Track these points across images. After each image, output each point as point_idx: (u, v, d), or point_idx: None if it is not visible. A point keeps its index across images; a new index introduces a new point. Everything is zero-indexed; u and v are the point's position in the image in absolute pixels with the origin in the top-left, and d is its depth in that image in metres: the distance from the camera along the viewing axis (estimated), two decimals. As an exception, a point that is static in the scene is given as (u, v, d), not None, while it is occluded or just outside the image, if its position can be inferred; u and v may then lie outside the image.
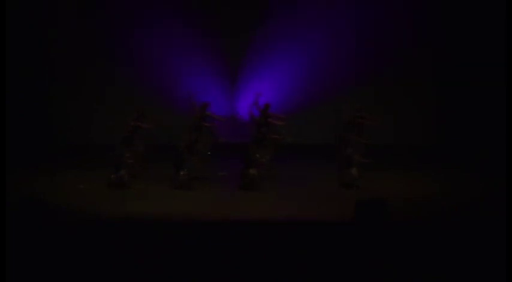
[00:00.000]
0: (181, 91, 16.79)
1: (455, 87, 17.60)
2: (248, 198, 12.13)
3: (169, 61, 17.88)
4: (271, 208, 11.37)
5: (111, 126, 15.03)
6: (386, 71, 17.92)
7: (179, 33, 17.82)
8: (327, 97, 17.84)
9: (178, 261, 7.69)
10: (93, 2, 17.68)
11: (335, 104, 17.12)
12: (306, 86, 17.98)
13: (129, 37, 17.71)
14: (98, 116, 17.61)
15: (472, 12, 17.23)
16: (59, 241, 7.95)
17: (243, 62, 18.13)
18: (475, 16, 17.21)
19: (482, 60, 17.10)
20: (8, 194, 10.55)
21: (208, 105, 13.75)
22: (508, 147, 12.10)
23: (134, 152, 13.36)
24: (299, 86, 17.98)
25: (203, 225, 9.39)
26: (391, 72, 17.92)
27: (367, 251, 7.78)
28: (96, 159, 14.94)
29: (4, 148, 13.21)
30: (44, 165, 15.09)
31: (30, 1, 17.43)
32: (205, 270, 7.54)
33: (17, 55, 17.11)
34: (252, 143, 13.22)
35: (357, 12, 17.82)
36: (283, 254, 7.80)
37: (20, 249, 7.66)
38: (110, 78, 17.79)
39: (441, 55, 17.72)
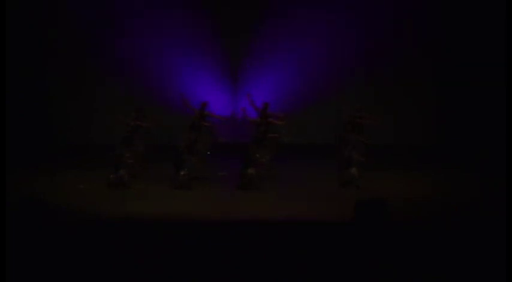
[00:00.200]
0: (181, 91, 16.78)
1: (455, 87, 17.60)
2: (248, 198, 12.13)
3: (169, 61, 17.88)
4: (271, 208, 11.36)
5: (111, 126, 15.02)
6: (386, 71, 17.92)
7: (179, 33, 17.82)
8: (327, 97, 17.85)
9: (178, 261, 7.68)
10: (93, 2, 17.68)
11: (335, 104, 17.13)
12: (306, 86, 17.97)
13: (129, 37, 17.71)
14: (98, 116, 17.60)
15: (472, 13, 17.23)
16: (59, 241, 7.93)
17: (243, 62, 18.13)
18: (475, 16, 17.22)
19: (482, 60, 17.11)
20: (8, 194, 10.53)
21: (207, 105, 13.75)
22: (508, 147, 12.08)
23: (134, 152, 13.34)
24: (299, 86, 17.97)
25: (203, 225, 9.38)
26: (391, 72, 17.92)
27: (367, 251, 7.77)
28: (96, 159, 14.94)
29: (4, 148, 13.20)
30: (44, 165, 15.09)
31: (30, 1, 17.43)
32: (205, 270, 7.53)
33: (17, 55, 17.11)
34: (252, 142, 13.21)
35: (357, 12, 17.82)
36: (283, 254, 7.79)
37: (20, 249, 7.64)
38: (109, 78, 17.78)
39: (441, 55, 17.72)
